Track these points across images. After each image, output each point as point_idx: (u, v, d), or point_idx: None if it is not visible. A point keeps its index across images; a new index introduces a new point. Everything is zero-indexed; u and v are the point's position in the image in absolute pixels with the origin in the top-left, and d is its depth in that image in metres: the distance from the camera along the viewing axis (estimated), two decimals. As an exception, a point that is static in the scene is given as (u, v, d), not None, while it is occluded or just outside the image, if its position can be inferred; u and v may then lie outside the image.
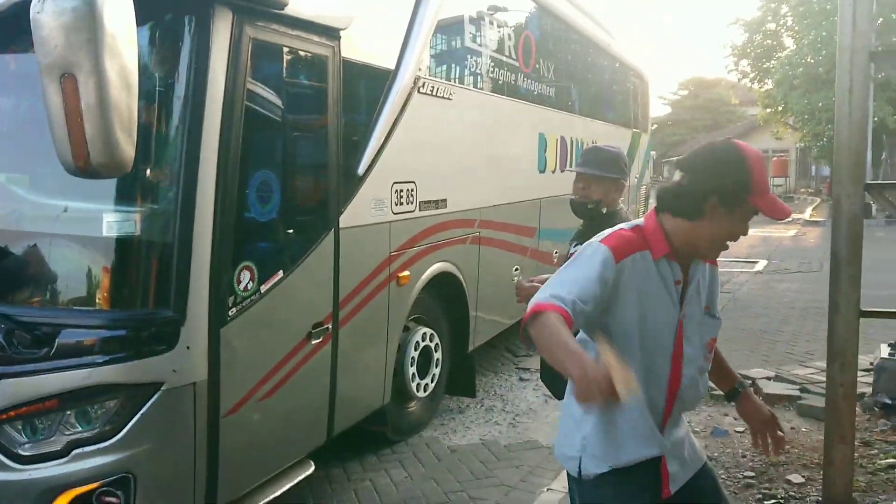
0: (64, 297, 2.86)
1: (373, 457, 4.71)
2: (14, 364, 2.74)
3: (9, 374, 2.75)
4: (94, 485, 2.80)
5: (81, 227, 2.84)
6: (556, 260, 7.25)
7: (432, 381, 5.06)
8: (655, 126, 17.23)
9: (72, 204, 2.89)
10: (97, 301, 2.82)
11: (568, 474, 2.13)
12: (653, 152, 13.20)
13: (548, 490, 4.06)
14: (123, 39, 2.20)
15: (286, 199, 3.41)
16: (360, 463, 4.62)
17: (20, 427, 2.80)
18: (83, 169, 2.20)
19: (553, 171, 7.25)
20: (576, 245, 3.31)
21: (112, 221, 2.79)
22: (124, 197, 2.84)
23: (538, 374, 6.37)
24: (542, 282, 3.31)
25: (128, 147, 2.24)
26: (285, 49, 3.36)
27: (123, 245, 2.83)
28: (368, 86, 4.13)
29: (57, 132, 2.17)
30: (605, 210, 3.23)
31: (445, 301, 5.24)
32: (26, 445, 2.80)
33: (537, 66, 6.76)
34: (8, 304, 2.81)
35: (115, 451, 2.77)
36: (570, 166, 7.68)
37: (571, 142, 7.74)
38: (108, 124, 2.17)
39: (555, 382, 3.36)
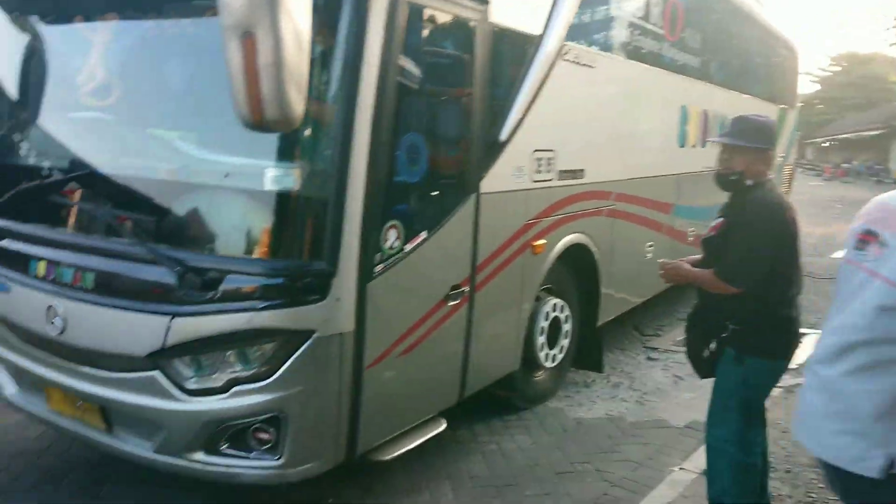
0: (229, 245, 3.07)
1: (498, 421, 4.78)
2: (185, 304, 2.98)
3: (181, 314, 2.99)
4: (251, 420, 3.03)
5: (246, 181, 3.02)
6: (690, 239, 7.01)
7: (560, 353, 5.06)
8: (801, 104, 16.09)
9: (238, 160, 3.08)
10: (258, 250, 3.00)
11: (845, 478, 1.94)
12: (798, 132, 12.38)
13: (680, 469, 3.98)
14: (299, 2, 2.31)
15: (432, 161, 3.49)
16: (486, 426, 4.70)
17: (188, 362, 3.05)
18: (257, 124, 2.34)
19: (693, 146, 6.98)
20: (719, 219, 3.20)
21: (274, 176, 2.95)
22: (285, 154, 3.00)
23: (667, 355, 6.25)
24: (692, 262, 3.23)
25: (298, 104, 2.36)
26: (437, 13, 3.41)
27: (283, 199, 2.99)
28: (514, 51, 4.12)
29: (236, 88, 2.31)
30: (749, 182, 3.10)
31: (576, 273, 5.20)
32: (192, 380, 3.05)
33: (683, 34, 6.49)
34: (181, 250, 3.04)
35: (269, 391, 2.97)
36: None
37: (713, 116, 7.40)
38: (282, 82, 2.29)
39: (699, 360, 3.28)
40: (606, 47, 5.24)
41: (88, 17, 3.58)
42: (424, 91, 3.43)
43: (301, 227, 3.01)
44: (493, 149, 3.94)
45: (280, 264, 2.96)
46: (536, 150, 4.34)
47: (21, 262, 3.50)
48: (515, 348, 4.51)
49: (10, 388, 3.78)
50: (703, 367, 3.28)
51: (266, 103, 2.29)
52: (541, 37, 4.27)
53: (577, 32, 4.71)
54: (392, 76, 3.10)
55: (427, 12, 3.34)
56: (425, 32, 3.41)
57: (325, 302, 2.98)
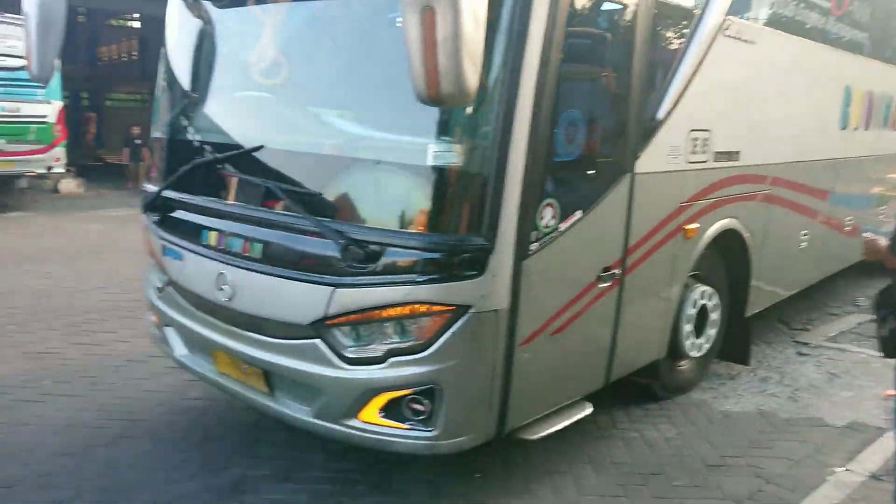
0: (390, 219, 3.13)
1: (638, 410, 4.66)
2: (346, 276, 3.08)
3: (342, 285, 3.10)
4: (406, 391, 3.10)
5: (409, 156, 3.07)
6: (847, 229, 6.54)
7: (707, 342, 4.86)
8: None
9: (401, 136, 3.14)
10: (419, 225, 3.04)
11: None
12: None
13: (845, 470, 3.74)
14: (477, -26, 2.31)
15: (589, 139, 3.42)
16: (625, 413, 4.60)
17: (347, 332, 3.16)
18: (433, 98, 2.36)
19: (855, 129, 6.49)
20: None
21: (436, 152, 2.98)
22: (448, 130, 3.02)
23: (820, 350, 5.88)
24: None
25: (473, 79, 2.36)
26: (601, -15, 3.32)
27: (444, 175, 3.02)
28: (674, 26, 3.96)
29: (414, 62, 2.34)
30: None
31: (726, 260, 4.97)
32: (351, 349, 3.15)
33: (850, 8, 6.02)
34: (344, 223, 3.14)
35: (425, 364, 3.02)
36: (874, 125, 6.83)
37: (879, 97, 6.84)
38: (459, 56, 2.30)
39: (886, 340, 3.03)
40: (769, 22, 4.94)
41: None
42: (585, 67, 3.37)
43: (461, 202, 3.03)
44: (650, 127, 3.82)
45: (439, 239, 3.00)
46: (693, 130, 4.16)
47: (193, 232, 3.74)
48: (662, 335, 4.37)
49: (181, 350, 4.06)
50: (889, 347, 3.04)
51: (442, 77, 2.31)
52: (702, 11, 4.08)
53: (739, 6, 4.46)
54: (554, 52, 3.05)
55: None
56: (587, 7, 3.33)
57: (482, 278, 3.00)
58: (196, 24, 4.08)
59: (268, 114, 3.75)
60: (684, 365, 4.82)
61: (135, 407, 4.65)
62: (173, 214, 3.96)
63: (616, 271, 3.73)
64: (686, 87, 3.99)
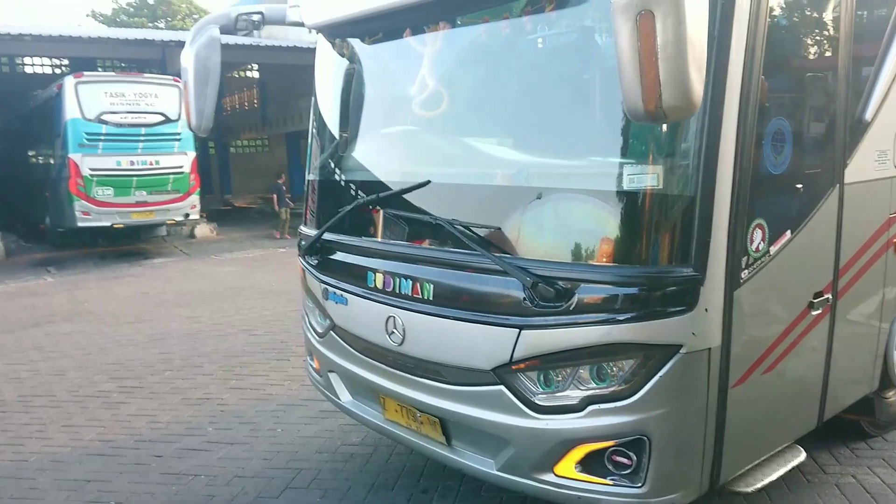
0: (582, 251, 2.85)
1: (845, 450, 4.12)
2: (535, 316, 2.81)
3: (530, 326, 2.83)
4: (609, 443, 2.78)
5: (601, 182, 2.79)
6: None
7: (920, 371, 4.25)
8: None
9: (590, 159, 2.87)
10: (615, 257, 2.74)
11: None
12: None
13: None
14: (698, -32, 2.02)
15: (796, 149, 3.02)
16: (830, 456, 4.06)
17: (536, 377, 2.88)
18: (653, 112, 2.07)
19: None
20: None
21: (632, 175, 2.67)
22: (644, 149, 2.72)
23: None
24: None
25: (699, 86, 2.06)
26: (802, -24, 2.94)
27: (644, 199, 2.70)
28: (875, 16, 3.50)
29: (627, 75, 2.07)
30: None
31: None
32: (541, 396, 2.87)
33: None
34: (528, 258, 2.88)
35: (631, 412, 2.69)
36: None
37: None
38: (684, 63, 2.00)
39: None
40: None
41: (404, 33, 3.60)
42: (789, 69, 3.00)
43: (664, 229, 2.71)
44: (858, 131, 3.36)
45: (641, 271, 2.68)
46: (900, 130, 3.66)
47: (358, 275, 3.59)
48: (874, 365, 3.84)
49: (346, 396, 3.91)
50: None
51: (665, 89, 2.01)
52: (904, -2, 3.59)
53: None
54: (758, 56, 2.69)
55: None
56: (790, 3, 2.95)
57: (692, 313, 2.64)
58: (346, 63, 3.99)
59: (431, 147, 3.58)
60: (893, 396, 4.23)
61: (297, 454, 4.56)
62: (334, 257, 3.84)
63: (828, 296, 3.27)
64: (892, 83, 3.51)
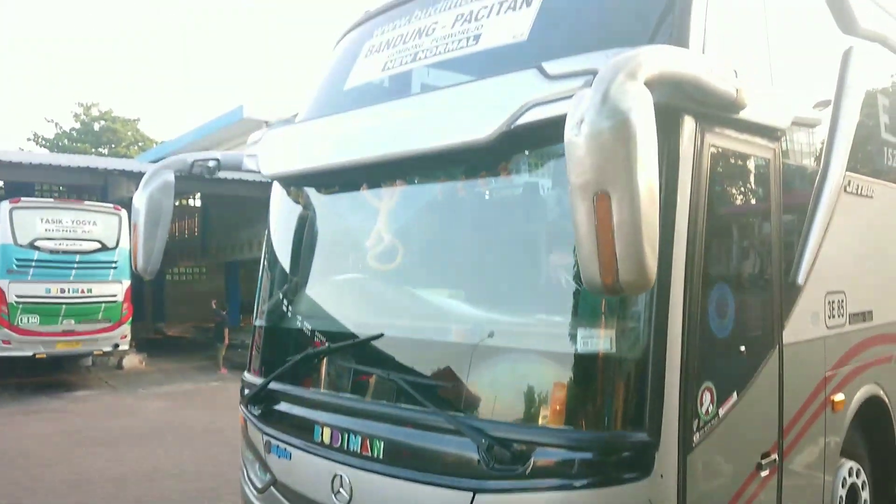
0: (538, 413, 2.84)
1: None
2: (490, 479, 2.74)
3: (485, 490, 2.75)
4: None
5: (553, 342, 2.83)
6: None
7: (860, 527, 4.28)
8: None
9: (543, 320, 2.92)
10: (571, 420, 2.74)
11: None
12: None
13: None
14: (650, 154, 2.17)
15: (738, 312, 3.14)
16: None
17: (493, 546, 2.77)
18: (609, 287, 2.14)
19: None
20: None
21: (585, 337, 2.73)
22: (596, 313, 2.79)
23: None
24: None
25: (653, 263, 2.16)
26: (735, 153, 3.18)
27: (596, 362, 2.75)
28: (802, 187, 3.78)
29: (585, 250, 2.15)
30: None
31: (867, 431, 4.48)
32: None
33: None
34: (481, 418, 2.85)
35: (591, 583, 2.60)
36: None
37: None
38: (639, 241, 2.11)
39: None
40: (882, 174, 4.76)
41: (359, 187, 3.71)
42: (730, 235, 3.18)
43: (617, 393, 2.74)
44: (792, 294, 3.54)
45: (596, 436, 2.68)
46: (829, 293, 3.87)
47: (303, 428, 3.47)
48: (823, 516, 3.84)
49: (284, 560, 3.66)
50: None
51: (621, 265, 2.10)
52: (823, 169, 3.92)
53: (853, 161, 4.31)
54: (700, 222, 2.86)
55: (727, 153, 3.12)
56: (725, 174, 3.18)
57: (648, 479, 2.63)
58: (301, 212, 4.06)
59: (385, 299, 3.59)
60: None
61: None
62: (279, 408, 3.72)
63: (774, 456, 3.31)
64: (819, 248, 3.75)
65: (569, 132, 2.16)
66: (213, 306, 18.47)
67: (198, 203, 30.73)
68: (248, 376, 4.07)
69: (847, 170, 4.12)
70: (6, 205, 14.22)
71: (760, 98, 3.07)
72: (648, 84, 2.23)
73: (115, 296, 14.88)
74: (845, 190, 4.07)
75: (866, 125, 4.49)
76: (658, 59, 2.34)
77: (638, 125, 2.12)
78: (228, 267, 27.65)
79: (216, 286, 29.39)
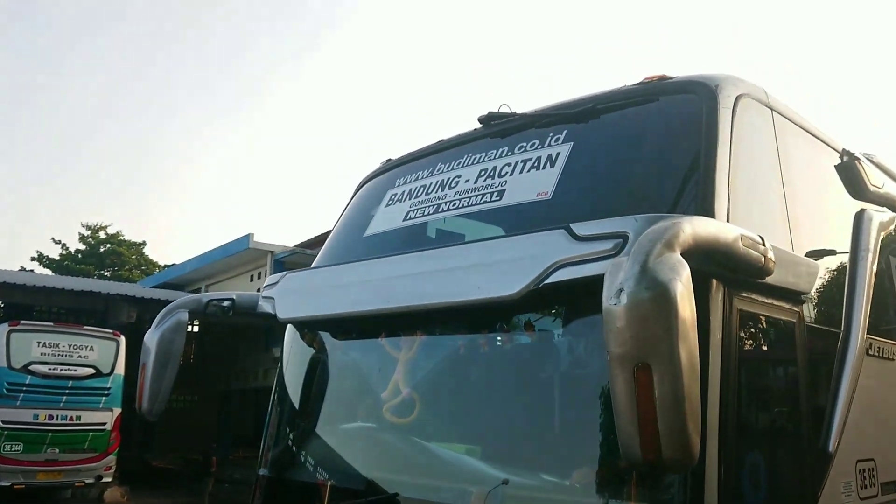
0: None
1: None
2: None
3: None
4: None
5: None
6: None
7: None
8: None
9: (561, 489, 2.78)
10: None
11: None
12: None
13: None
14: (691, 326, 2.13)
15: (771, 484, 3.00)
16: None
17: None
18: (652, 462, 2.04)
19: None
20: None
21: (617, 510, 2.58)
22: (627, 484, 2.65)
23: None
24: None
25: (697, 440, 2.07)
26: (761, 318, 3.16)
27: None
28: (826, 351, 3.73)
29: (624, 423, 2.07)
30: None
31: None
32: None
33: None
34: None
35: None
36: None
37: None
38: (682, 416, 2.03)
39: None
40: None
41: (377, 336, 3.66)
42: (759, 405, 3.10)
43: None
44: (823, 463, 3.39)
45: None
46: (859, 461, 3.72)
47: None
48: None
49: None
50: None
51: (664, 441, 2.01)
52: (845, 333, 3.87)
53: (874, 323, 4.28)
54: (732, 393, 2.78)
55: (753, 317, 3.09)
56: (753, 338, 3.14)
57: None
58: (314, 357, 3.99)
59: (400, 455, 3.44)
60: None
61: None
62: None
63: None
64: (847, 414, 3.64)
65: (607, 302, 2.13)
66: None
67: (195, 329, 30.54)
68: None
69: (868, 332, 4.09)
70: (4, 328, 14.09)
71: (784, 263, 3.09)
72: (685, 254, 2.24)
73: (104, 424, 14.44)
74: (867, 353, 4.01)
75: (883, 287, 4.50)
76: (693, 228, 2.36)
77: (678, 296, 2.10)
78: (222, 396, 27.07)
79: (208, 415, 28.63)
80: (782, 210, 3.47)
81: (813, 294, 3.54)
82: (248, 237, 23.38)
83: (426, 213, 3.75)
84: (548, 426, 3.04)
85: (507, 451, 3.11)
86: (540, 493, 2.90)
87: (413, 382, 3.39)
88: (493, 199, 3.46)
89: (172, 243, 72.91)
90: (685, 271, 2.17)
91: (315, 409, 3.87)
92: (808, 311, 3.49)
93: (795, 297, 3.32)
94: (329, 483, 3.53)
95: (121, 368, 14.84)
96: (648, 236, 2.21)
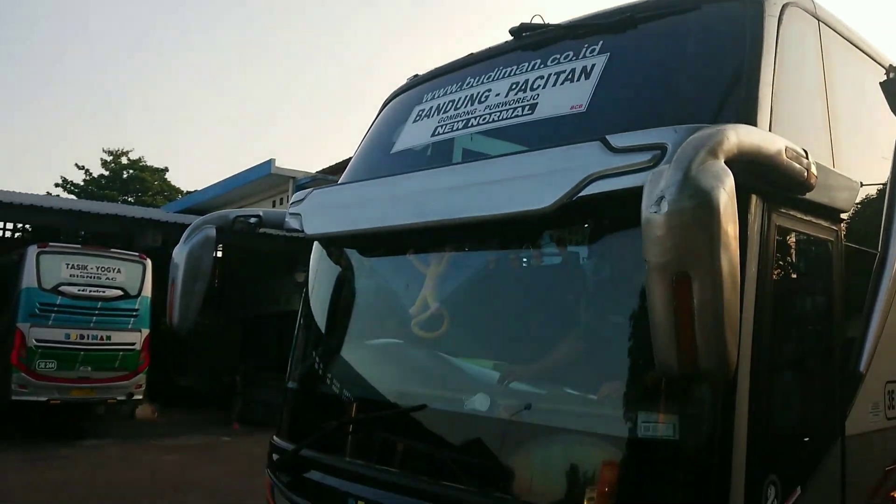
0: (590, 501, 2.67)
1: None
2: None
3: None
4: None
5: (608, 425, 2.69)
6: None
7: None
8: None
9: (599, 402, 2.79)
10: (627, 508, 2.58)
11: None
12: None
13: None
14: (732, 235, 2.08)
15: (802, 401, 3.00)
16: None
17: None
18: (687, 373, 2.03)
19: None
20: None
21: (647, 423, 2.59)
22: (659, 396, 2.65)
23: None
24: None
25: (734, 350, 2.05)
26: (799, 235, 3.09)
27: (656, 449, 2.59)
28: (862, 271, 3.66)
29: (661, 334, 2.05)
30: None
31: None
32: None
33: None
34: (529, 499, 2.69)
35: None
36: None
37: None
38: (721, 326, 2.00)
39: None
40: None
41: (406, 252, 3.64)
42: (793, 323, 3.06)
43: (679, 484, 2.57)
44: (853, 382, 3.38)
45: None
46: (888, 382, 3.70)
47: (336, 499, 3.31)
48: None
49: None
50: None
51: (702, 351, 1.99)
52: (881, 254, 3.79)
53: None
54: (768, 307, 2.75)
55: (791, 234, 3.03)
56: (789, 257, 3.08)
57: (711, 581, 2.45)
58: (342, 274, 3.99)
59: (429, 369, 3.47)
60: None
61: None
62: (310, 476, 3.56)
63: (835, 557, 3.11)
64: (880, 335, 3.60)
65: (647, 210, 2.08)
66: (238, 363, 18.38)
67: (218, 254, 30.93)
68: (277, 441, 3.93)
69: (904, 255, 4.01)
70: (34, 249, 14.34)
71: (825, 179, 3.00)
72: (728, 162, 2.16)
73: (133, 344, 14.83)
74: (903, 276, 3.94)
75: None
76: (738, 136, 2.28)
77: (721, 205, 2.04)
78: (246, 321, 27.58)
79: (233, 339, 29.29)
80: (825, 125, 3.35)
81: (852, 213, 3.45)
82: (269, 163, 23.34)
83: (455, 128, 3.67)
84: (577, 342, 3.03)
85: (539, 367, 3.12)
86: (568, 407, 2.92)
87: (442, 298, 3.39)
88: (525, 112, 3.37)
89: (195, 170, 73.13)
90: (729, 179, 2.10)
91: (343, 325, 3.90)
92: (846, 231, 3.41)
93: (834, 215, 3.24)
94: (357, 395, 3.58)
95: (148, 291, 15.12)
96: (692, 143, 2.14)
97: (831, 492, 3.14)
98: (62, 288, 14.15)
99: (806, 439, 2.99)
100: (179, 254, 3.87)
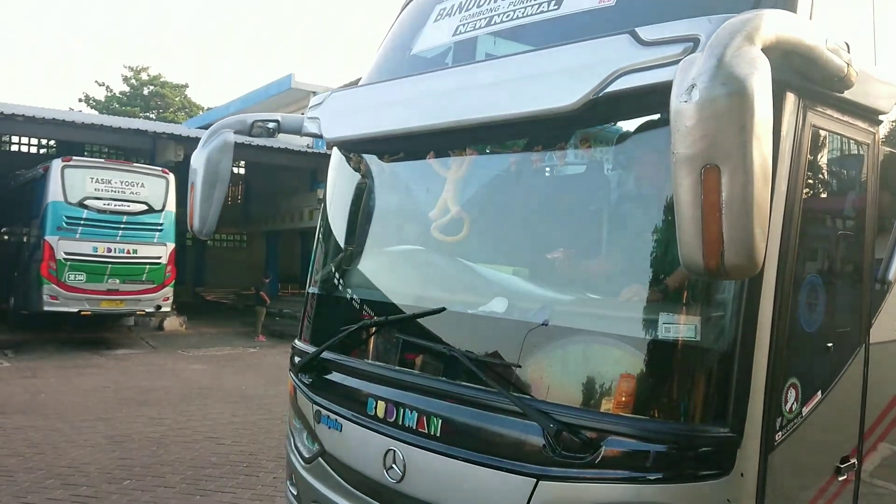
0: (611, 400, 2.68)
1: None
2: (555, 466, 2.60)
3: (549, 477, 2.62)
4: None
5: (631, 326, 2.66)
6: None
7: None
8: None
9: (623, 303, 2.75)
10: (647, 410, 2.58)
11: None
12: None
13: None
14: (766, 127, 1.98)
15: (828, 306, 2.95)
16: None
17: (553, 535, 2.64)
18: (713, 270, 1.97)
19: None
20: None
21: (668, 324, 2.55)
22: (681, 297, 2.61)
23: None
24: None
25: (762, 246, 1.98)
26: (834, 136, 2.96)
27: (677, 350, 2.57)
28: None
29: (687, 229, 1.98)
30: None
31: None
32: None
33: None
34: (550, 402, 2.71)
35: (660, 584, 2.45)
36: None
37: None
38: (749, 221, 1.93)
39: None
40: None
41: (426, 155, 3.56)
42: (823, 226, 2.97)
43: (700, 384, 2.57)
44: (881, 291, 3.31)
45: (674, 428, 2.51)
46: (917, 292, 3.63)
47: (356, 400, 3.37)
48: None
49: (330, 534, 3.58)
50: None
51: (728, 246, 1.93)
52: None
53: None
54: (797, 207, 2.66)
55: (825, 134, 2.90)
56: (824, 161, 2.96)
57: (728, 477, 2.46)
58: (362, 179, 3.93)
59: (448, 273, 3.45)
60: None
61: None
62: (331, 377, 3.62)
63: (853, 461, 3.11)
64: (911, 244, 3.50)
65: (676, 99, 1.97)
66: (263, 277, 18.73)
67: (241, 171, 31.01)
68: (298, 344, 3.98)
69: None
70: (58, 163, 14.45)
71: (866, 78, 2.84)
72: (765, 50, 2.04)
73: (159, 258, 15.08)
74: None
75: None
76: (776, 23, 2.14)
77: (756, 93, 1.93)
78: (269, 236, 27.89)
79: (256, 254, 29.70)
80: (869, 18, 3.16)
81: (892, 116, 3.30)
82: (289, 77, 23.04)
83: (478, 26, 3.52)
84: (599, 243, 2.98)
85: (561, 269, 3.08)
86: (594, 310, 2.89)
87: (462, 201, 3.34)
88: (551, 7, 3.21)
89: (215, 87, 72.44)
90: (766, 67, 1.99)
91: (363, 230, 3.88)
92: (885, 135, 3.27)
93: (873, 116, 3.09)
94: (376, 299, 3.59)
95: (172, 206, 15.26)
96: (727, 28, 2.01)
97: (852, 399, 3.12)
98: (87, 202, 14.32)
99: (829, 345, 2.95)
100: (198, 158, 3.83)
